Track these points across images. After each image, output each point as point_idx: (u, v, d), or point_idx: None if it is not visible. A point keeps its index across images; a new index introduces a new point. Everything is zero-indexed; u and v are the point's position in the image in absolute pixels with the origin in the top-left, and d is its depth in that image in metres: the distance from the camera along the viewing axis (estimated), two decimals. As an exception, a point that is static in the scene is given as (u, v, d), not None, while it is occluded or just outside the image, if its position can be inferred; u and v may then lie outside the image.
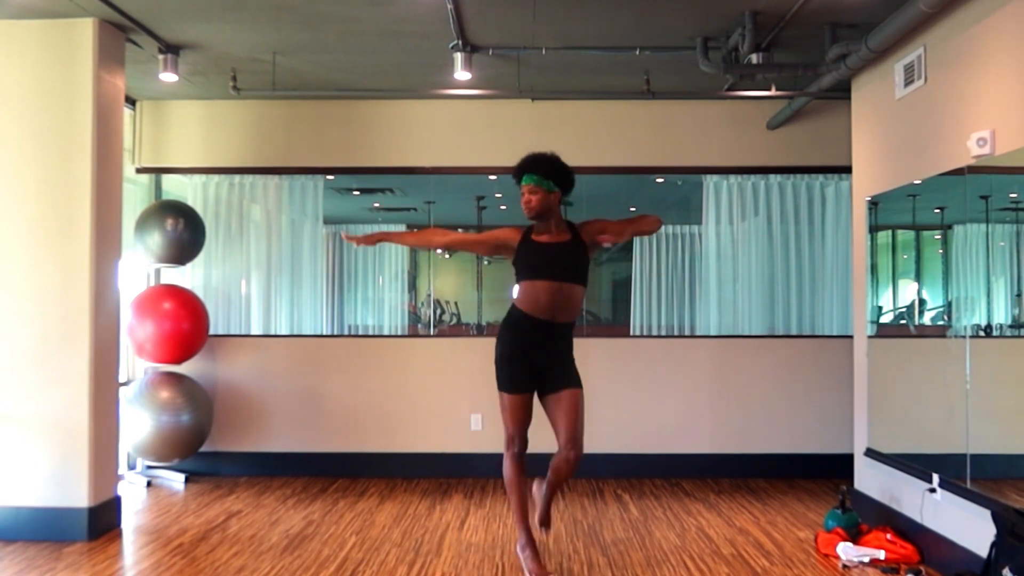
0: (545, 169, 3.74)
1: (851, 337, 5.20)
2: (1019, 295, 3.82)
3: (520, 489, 3.84)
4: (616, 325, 9.12)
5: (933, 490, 3.97)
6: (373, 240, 3.99)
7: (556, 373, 3.76)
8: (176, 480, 5.80)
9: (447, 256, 10.89)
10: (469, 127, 6.19)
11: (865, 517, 4.50)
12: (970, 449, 3.70)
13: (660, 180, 7.01)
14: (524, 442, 3.84)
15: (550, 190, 3.73)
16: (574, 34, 4.79)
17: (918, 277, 5.04)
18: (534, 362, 3.75)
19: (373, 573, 3.91)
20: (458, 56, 4.89)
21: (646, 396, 6.03)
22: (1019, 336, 3.91)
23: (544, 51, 4.91)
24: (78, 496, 4.42)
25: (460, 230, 3.54)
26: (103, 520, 4.53)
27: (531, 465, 3.93)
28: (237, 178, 6.37)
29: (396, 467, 6.02)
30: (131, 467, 5.94)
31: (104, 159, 4.58)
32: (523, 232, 3.84)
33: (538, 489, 3.99)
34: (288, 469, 6.01)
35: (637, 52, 4.92)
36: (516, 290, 3.79)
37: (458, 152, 6.20)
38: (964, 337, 3.92)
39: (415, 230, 3.73)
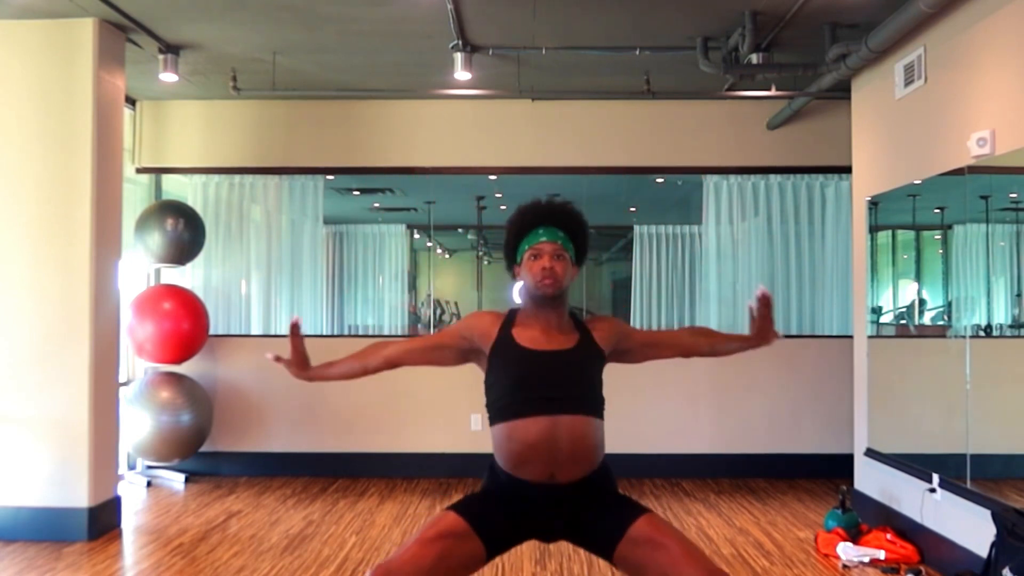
0: (575, 226, 2.35)
1: (851, 337, 5.19)
2: (1019, 295, 3.82)
3: None
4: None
5: (933, 490, 3.97)
6: (307, 376, 2.61)
7: (601, 519, 2.25)
8: (176, 480, 5.80)
9: (447, 256, 10.90)
10: (469, 127, 6.19)
11: (865, 517, 4.50)
12: (970, 449, 3.69)
13: (660, 180, 7.02)
14: None
15: (574, 261, 2.33)
16: (574, 34, 4.79)
17: (918, 277, 5.04)
18: (537, 528, 2.32)
19: (373, 573, 3.91)
20: (458, 56, 4.89)
21: (646, 396, 6.03)
22: (1019, 336, 3.91)
23: (544, 51, 4.91)
24: (78, 496, 4.42)
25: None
26: (103, 520, 4.53)
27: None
28: (237, 178, 6.36)
29: (396, 467, 6.02)
30: (131, 467, 5.94)
31: (104, 159, 4.58)
32: (500, 323, 2.33)
33: None
34: (288, 469, 6.01)
35: (637, 52, 4.91)
36: (491, 434, 2.38)
37: (458, 152, 6.20)
38: (964, 337, 3.92)
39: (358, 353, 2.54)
